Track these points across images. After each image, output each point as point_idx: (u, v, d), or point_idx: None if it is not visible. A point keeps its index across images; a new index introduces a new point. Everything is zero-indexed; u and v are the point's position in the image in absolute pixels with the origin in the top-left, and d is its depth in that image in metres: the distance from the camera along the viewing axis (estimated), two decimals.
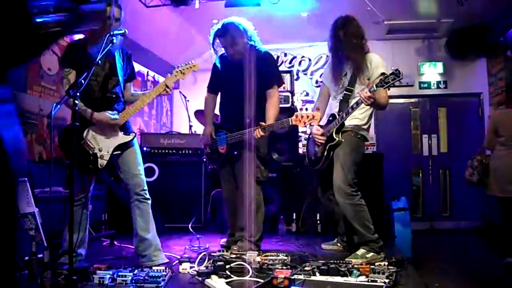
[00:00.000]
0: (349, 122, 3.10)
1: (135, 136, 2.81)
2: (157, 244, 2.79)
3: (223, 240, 3.65)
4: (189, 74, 2.85)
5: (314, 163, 3.29)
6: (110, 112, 2.69)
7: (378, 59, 3.08)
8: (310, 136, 3.44)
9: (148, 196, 2.79)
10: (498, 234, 4.85)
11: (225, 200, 3.58)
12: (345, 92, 3.11)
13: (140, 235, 2.73)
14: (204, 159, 3.58)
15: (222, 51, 3.35)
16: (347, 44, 3.08)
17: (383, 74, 2.84)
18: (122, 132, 2.75)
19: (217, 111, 3.58)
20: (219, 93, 3.49)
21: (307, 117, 2.97)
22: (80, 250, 2.75)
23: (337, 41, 3.12)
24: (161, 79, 6.55)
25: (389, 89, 2.86)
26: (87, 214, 2.84)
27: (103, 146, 2.68)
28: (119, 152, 2.72)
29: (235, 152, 3.27)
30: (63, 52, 2.82)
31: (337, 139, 3.07)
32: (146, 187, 2.79)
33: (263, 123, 3.05)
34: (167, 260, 2.79)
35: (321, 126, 3.23)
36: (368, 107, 3.03)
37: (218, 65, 3.39)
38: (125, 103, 2.89)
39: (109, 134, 2.70)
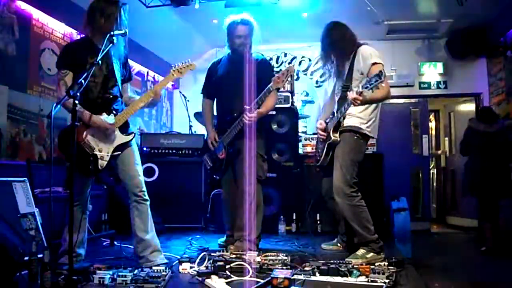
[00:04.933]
0: (348, 120, 3.08)
1: (134, 136, 2.79)
2: (156, 245, 2.77)
3: (221, 240, 3.66)
4: (187, 72, 2.85)
5: (317, 159, 3.32)
6: (106, 116, 2.65)
7: (367, 51, 3.04)
8: None
9: (147, 197, 2.76)
10: (496, 233, 4.86)
11: (223, 200, 3.59)
12: (342, 89, 3.10)
13: (138, 236, 2.72)
14: (206, 166, 3.60)
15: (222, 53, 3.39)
16: (334, 51, 3.16)
17: (379, 72, 2.74)
18: (122, 132, 2.73)
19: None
20: (215, 98, 3.53)
21: (283, 74, 3.01)
22: (80, 250, 2.75)
23: (325, 49, 3.21)
24: (161, 79, 6.54)
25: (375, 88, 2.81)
26: (87, 214, 2.83)
27: (102, 147, 2.66)
28: (119, 152, 2.71)
29: (231, 150, 3.30)
30: (59, 54, 2.79)
31: (333, 137, 3.07)
32: (144, 188, 2.77)
33: (247, 107, 3.08)
34: (166, 261, 2.78)
35: (326, 123, 3.25)
36: (368, 104, 3.01)
37: (214, 68, 3.45)
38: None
39: (108, 134, 2.68)
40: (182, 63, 2.84)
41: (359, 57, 3.05)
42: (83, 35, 2.80)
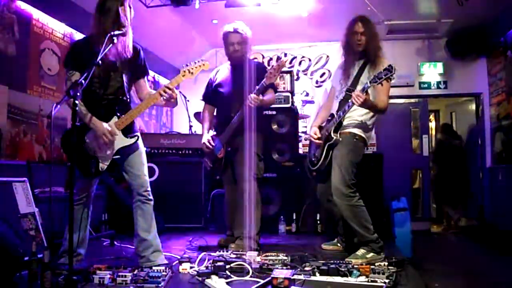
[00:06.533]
0: (348, 122, 3.08)
1: (138, 138, 2.74)
2: (157, 245, 2.77)
3: (221, 239, 3.67)
4: (198, 73, 2.75)
5: (313, 163, 3.29)
6: (106, 123, 2.60)
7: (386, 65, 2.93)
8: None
9: (151, 197, 2.75)
10: (496, 233, 4.87)
11: (227, 201, 3.62)
12: (346, 92, 3.09)
13: (141, 236, 2.72)
14: (207, 168, 3.64)
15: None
16: (370, 38, 3.04)
17: (389, 66, 2.73)
18: (125, 134, 2.68)
19: None
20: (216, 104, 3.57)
21: (275, 69, 3.06)
22: (80, 249, 2.75)
23: (361, 34, 3.04)
24: (161, 79, 6.55)
25: (380, 86, 2.77)
26: (89, 214, 2.82)
27: (104, 149, 2.62)
28: (119, 156, 2.66)
29: (229, 149, 3.35)
30: (66, 53, 2.73)
31: (334, 137, 3.06)
32: (149, 188, 2.75)
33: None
34: (166, 262, 2.78)
35: (321, 127, 3.24)
36: (368, 109, 3.00)
37: (213, 77, 3.54)
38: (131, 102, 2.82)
39: (104, 142, 2.61)
40: (194, 62, 2.73)
41: (381, 67, 2.91)
42: (89, 34, 2.72)
